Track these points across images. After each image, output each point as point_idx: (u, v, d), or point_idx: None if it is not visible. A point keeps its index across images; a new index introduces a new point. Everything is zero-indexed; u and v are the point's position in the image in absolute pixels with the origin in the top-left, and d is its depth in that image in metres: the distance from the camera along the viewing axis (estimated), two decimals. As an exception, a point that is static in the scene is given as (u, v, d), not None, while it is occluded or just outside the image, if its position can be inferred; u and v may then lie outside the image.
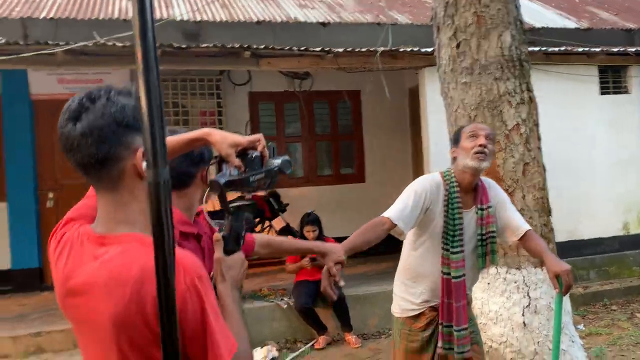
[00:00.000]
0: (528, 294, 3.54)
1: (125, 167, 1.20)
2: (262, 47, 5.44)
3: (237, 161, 1.46)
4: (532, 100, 3.47)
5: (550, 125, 6.28)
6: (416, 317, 2.66)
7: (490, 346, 3.74)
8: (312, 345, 5.32)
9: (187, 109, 7.16)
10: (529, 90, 3.47)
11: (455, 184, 2.57)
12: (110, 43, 5.02)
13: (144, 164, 1.19)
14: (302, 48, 5.62)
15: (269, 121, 8.04)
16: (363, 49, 5.80)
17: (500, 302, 3.59)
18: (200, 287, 1.16)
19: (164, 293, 0.88)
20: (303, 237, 5.70)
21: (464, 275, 2.55)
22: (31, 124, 7.01)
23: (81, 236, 1.22)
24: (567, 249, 6.05)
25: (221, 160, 1.66)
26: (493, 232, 2.60)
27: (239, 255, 1.49)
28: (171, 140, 1.49)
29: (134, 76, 5.30)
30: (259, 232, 6.94)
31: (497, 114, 3.39)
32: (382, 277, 6.31)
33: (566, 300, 3.70)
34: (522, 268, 3.54)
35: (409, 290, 2.69)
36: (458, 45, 3.43)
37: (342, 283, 2.21)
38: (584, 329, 5.28)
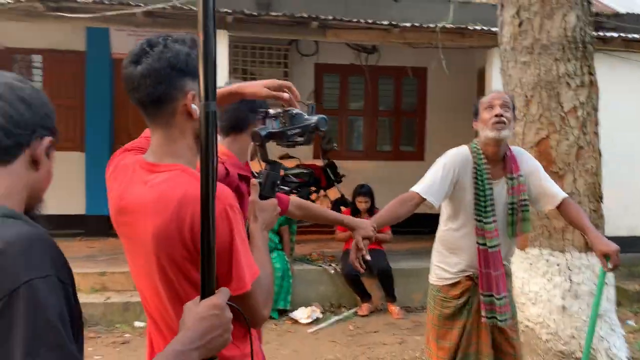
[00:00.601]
0: (570, 277, 3.53)
1: (177, 107, 1.37)
2: (330, 17, 5.54)
3: (276, 94, 1.53)
4: (593, 84, 3.41)
5: (622, 113, 6.07)
6: (452, 285, 2.73)
7: (527, 326, 3.77)
8: (356, 311, 5.50)
9: (254, 76, 7.40)
10: (591, 73, 3.40)
11: (482, 155, 2.62)
12: (186, 7, 5.27)
13: (194, 106, 1.38)
14: (370, 21, 5.67)
15: (332, 93, 8.16)
16: (431, 25, 5.78)
17: (541, 283, 3.61)
18: (231, 214, 1.32)
19: (208, 209, 1.04)
20: (355, 208, 5.85)
21: (499, 244, 2.60)
22: (110, 81, 7.45)
23: (134, 164, 1.41)
24: (628, 245, 5.88)
25: (265, 115, 1.82)
26: (524, 200, 2.62)
27: (272, 201, 1.64)
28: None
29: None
30: (314, 200, 7.13)
31: (554, 95, 3.36)
32: (429, 253, 6.36)
33: (610, 289, 3.67)
34: (566, 252, 3.53)
35: (445, 260, 2.77)
36: (520, 24, 3.41)
37: (367, 257, 2.34)
38: (634, 324, 5.17)
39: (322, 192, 7.27)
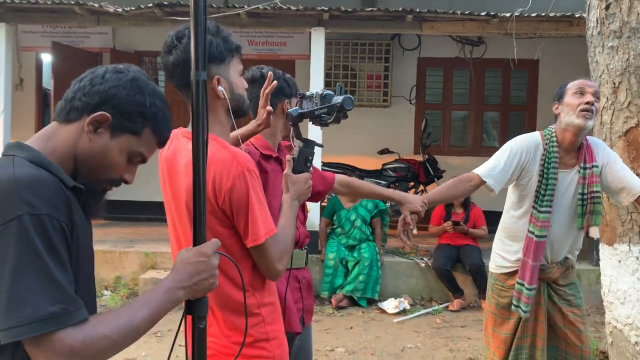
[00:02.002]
0: (662, 277, 3.27)
1: (207, 90, 1.59)
2: (425, 10, 5.54)
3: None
4: (691, 68, 3.13)
5: None
6: (509, 275, 2.69)
7: (615, 326, 3.54)
8: (447, 306, 5.46)
9: (355, 72, 7.56)
10: (689, 56, 3.12)
11: (555, 143, 2.52)
12: (285, 6, 5.57)
13: (220, 88, 1.59)
14: (467, 12, 5.59)
15: (436, 87, 8.08)
16: (533, 14, 5.56)
17: (631, 281, 3.37)
18: (248, 177, 1.52)
19: (199, 167, 1.22)
20: (450, 202, 5.79)
21: (545, 236, 2.51)
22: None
23: (178, 134, 1.65)
24: None
25: (302, 97, 1.98)
26: (596, 192, 2.50)
27: (305, 175, 1.80)
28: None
29: (313, 38, 5.82)
30: (415, 194, 7.14)
31: (645, 80, 3.14)
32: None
33: None
34: (659, 249, 3.27)
35: (505, 248, 2.72)
36: (607, 7, 3.21)
37: (415, 231, 2.41)
38: None
39: (421, 187, 7.25)
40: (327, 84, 7.61)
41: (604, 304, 3.63)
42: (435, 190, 2.68)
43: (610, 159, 2.59)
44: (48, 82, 8.47)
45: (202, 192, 1.24)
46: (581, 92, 2.47)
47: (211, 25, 1.58)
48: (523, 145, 2.59)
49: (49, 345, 0.94)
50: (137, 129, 1.16)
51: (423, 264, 5.74)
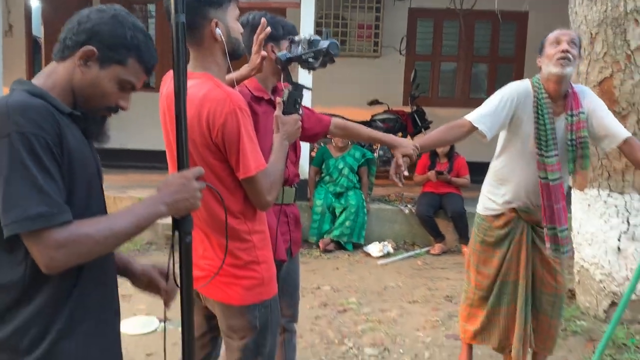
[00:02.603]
0: (628, 220, 3.49)
1: (205, 32, 1.74)
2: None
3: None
4: (666, 20, 3.25)
5: None
6: (497, 217, 2.80)
7: (582, 266, 3.79)
8: (428, 250, 5.71)
9: (346, 21, 7.57)
10: (665, 8, 3.24)
11: (543, 90, 2.59)
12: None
13: (217, 31, 1.71)
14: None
15: (426, 38, 8.13)
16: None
17: (598, 224, 3.60)
18: (239, 114, 1.67)
19: (180, 102, 1.34)
20: (434, 151, 5.96)
21: (561, 177, 2.61)
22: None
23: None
24: None
25: (291, 42, 2.09)
26: (584, 137, 2.57)
27: (294, 117, 1.94)
28: None
29: None
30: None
31: (621, 32, 3.25)
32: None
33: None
34: (625, 193, 3.48)
35: (493, 191, 2.82)
36: (588, -42, 3.32)
37: (406, 173, 2.52)
38: None
39: (408, 137, 7.40)
40: (318, 34, 7.63)
41: (574, 245, 3.87)
42: (427, 135, 2.74)
43: (596, 106, 2.65)
44: (37, 28, 8.42)
45: (184, 124, 1.36)
46: (557, 42, 2.54)
47: None
48: (514, 92, 2.64)
49: (39, 240, 1.13)
50: (123, 59, 1.29)
51: (407, 211, 5.96)
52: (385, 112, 7.37)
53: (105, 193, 1.47)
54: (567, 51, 2.51)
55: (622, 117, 3.37)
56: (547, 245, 2.66)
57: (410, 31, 7.97)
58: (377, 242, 5.70)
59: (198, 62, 1.78)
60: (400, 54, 7.90)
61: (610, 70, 3.35)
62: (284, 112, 1.94)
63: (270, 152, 1.89)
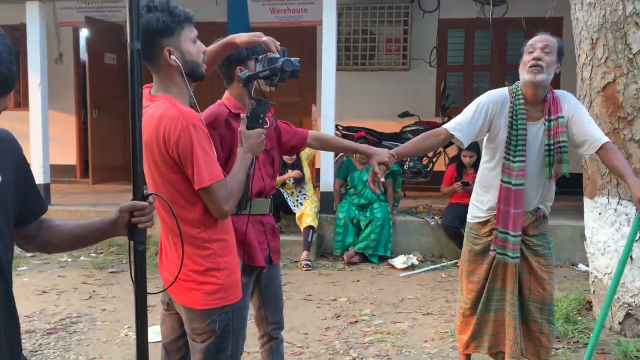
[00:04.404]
0: (639, 228, 3.37)
1: (161, 60, 1.88)
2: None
3: (255, 39, 2.07)
4: (669, 21, 3.15)
5: None
6: (482, 224, 2.84)
7: (596, 276, 3.68)
8: (456, 263, 5.65)
9: (374, 35, 7.65)
10: (667, 10, 3.15)
11: (520, 96, 2.63)
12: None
13: (172, 57, 1.85)
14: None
15: (457, 48, 8.08)
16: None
17: (609, 233, 3.49)
18: (192, 130, 1.79)
19: (135, 126, 1.47)
20: (460, 162, 5.92)
21: (523, 184, 2.64)
22: (248, 48, 8.25)
23: (145, 94, 1.94)
24: None
25: (256, 60, 2.21)
26: (563, 142, 2.60)
27: (257, 131, 2.04)
28: (211, 48, 2.11)
29: (340, 5, 5.97)
30: (432, 157, 7.27)
31: (621, 36, 3.18)
32: (564, 212, 6.21)
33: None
34: (635, 201, 3.36)
35: (479, 199, 2.87)
36: (585, -37, 3.28)
37: (382, 179, 2.60)
38: None
39: (440, 148, 7.35)
40: (347, 49, 7.76)
41: (587, 255, 3.77)
42: (405, 144, 2.82)
43: (576, 111, 2.66)
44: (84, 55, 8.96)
45: (139, 148, 1.49)
46: (532, 49, 2.59)
47: (158, 3, 1.83)
48: (489, 100, 2.70)
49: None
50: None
51: (433, 222, 5.93)
52: (415, 123, 7.37)
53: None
54: (538, 59, 2.55)
55: (627, 122, 3.28)
56: (492, 247, 2.74)
57: (441, 42, 7.94)
58: (403, 255, 5.69)
59: (159, 86, 1.92)
60: (431, 65, 7.89)
61: (612, 75, 3.28)
62: (248, 127, 2.05)
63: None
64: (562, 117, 2.62)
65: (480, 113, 2.69)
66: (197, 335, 1.95)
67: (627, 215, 3.41)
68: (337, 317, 4.16)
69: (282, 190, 5.92)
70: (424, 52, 7.79)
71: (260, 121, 2.10)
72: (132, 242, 1.50)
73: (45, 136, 6.51)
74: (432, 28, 7.83)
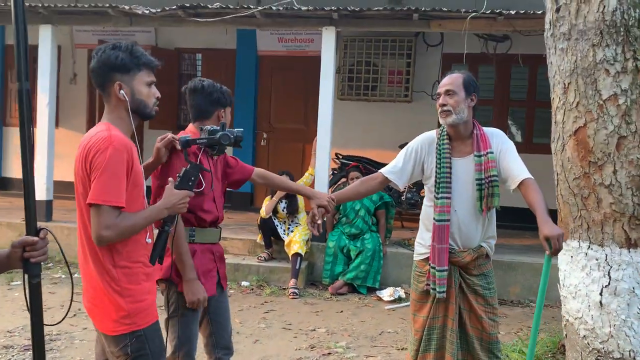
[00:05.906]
0: (609, 273, 3.34)
1: (112, 91, 2.02)
2: (429, 9, 5.70)
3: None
4: (639, 70, 3.17)
5: None
6: (425, 260, 2.88)
7: (567, 320, 3.64)
8: (444, 297, 5.63)
9: (377, 67, 7.77)
10: (636, 59, 3.16)
11: (445, 135, 2.79)
12: (296, 7, 5.88)
13: (122, 91, 1.97)
14: (470, 10, 5.69)
15: (460, 83, 8.12)
16: (539, 11, 5.59)
17: (580, 277, 3.46)
18: (113, 152, 1.88)
19: (27, 162, 1.55)
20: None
21: (447, 220, 2.73)
22: (256, 76, 8.45)
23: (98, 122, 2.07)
24: None
25: (201, 130, 2.43)
26: (494, 176, 2.71)
27: (183, 192, 2.13)
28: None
29: (339, 36, 6.11)
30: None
31: (591, 82, 3.19)
32: (531, 249, 6.20)
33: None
34: (606, 246, 3.34)
35: (422, 236, 2.93)
36: (558, 10, 3.29)
37: (319, 221, 2.74)
38: None
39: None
40: (350, 79, 7.88)
41: (560, 298, 3.75)
42: (344, 189, 3.00)
43: (504, 147, 2.81)
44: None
45: (31, 181, 1.57)
46: (438, 95, 2.81)
47: (123, 44, 2.01)
48: (418, 142, 2.89)
49: None
50: None
51: (423, 256, 5.92)
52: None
53: None
54: (443, 104, 2.75)
55: (598, 167, 3.29)
56: (427, 281, 2.81)
57: (444, 76, 7.98)
58: (391, 287, 5.69)
59: (106, 113, 2.07)
60: (433, 98, 7.94)
61: (583, 120, 3.29)
62: (176, 187, 2.15)
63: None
64: (492, 152, 2.76)
65: (410, 155, 2.87)
66: (115, 358, 2.02)
67: (597, 260, 3.38)
68: (311, 348, 4.18)
69: (273, 217, 5.99)
70: (426, 85, 7.87)
71: (191, 184, 2.21)
72: (26, 276, 1.58)
73: (50, 154, 6.70)
74: (435, 62, 7.92)
